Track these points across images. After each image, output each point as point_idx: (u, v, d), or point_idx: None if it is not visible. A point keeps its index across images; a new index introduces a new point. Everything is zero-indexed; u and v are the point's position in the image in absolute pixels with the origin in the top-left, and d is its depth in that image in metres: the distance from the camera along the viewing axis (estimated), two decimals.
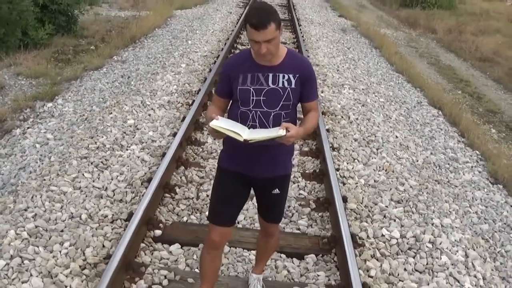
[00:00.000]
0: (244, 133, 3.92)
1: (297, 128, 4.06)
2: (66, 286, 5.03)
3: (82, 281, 5.12)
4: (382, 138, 9.32)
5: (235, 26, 19.10)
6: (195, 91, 11.12)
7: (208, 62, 14.06)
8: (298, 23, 21.09)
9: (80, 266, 5.32)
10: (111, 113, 9.51)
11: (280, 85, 4.17)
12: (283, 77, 4.18)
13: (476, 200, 7.89)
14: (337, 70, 14.11)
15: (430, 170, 8.54)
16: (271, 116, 4.16)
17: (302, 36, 18.19)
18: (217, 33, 18.35)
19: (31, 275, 5.14)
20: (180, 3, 26.07)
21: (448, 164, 9.05)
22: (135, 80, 11.98)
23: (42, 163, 7.65)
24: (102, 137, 8.40)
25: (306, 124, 4.28)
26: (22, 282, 5.03)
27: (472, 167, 9.19)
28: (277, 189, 4.47)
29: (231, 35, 17.01)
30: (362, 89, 12.57)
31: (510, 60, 20.06)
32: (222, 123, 3.96)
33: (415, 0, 34.39)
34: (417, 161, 8.76)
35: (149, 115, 9.62)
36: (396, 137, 9.61)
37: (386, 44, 19.64)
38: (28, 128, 9.48)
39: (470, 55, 21.19)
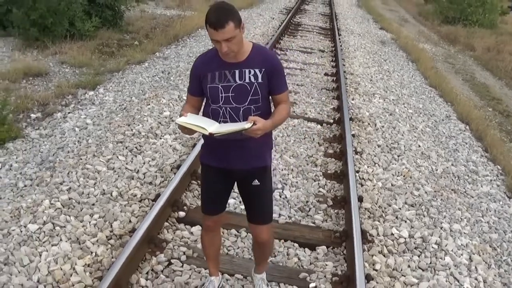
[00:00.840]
0: (210, 128, 4.02)
1: (264, 121, 4.12)
2: (92, 252, 5.49)
3: (107, 249, 5.58)
4: (404, 146, 9.66)
5: (276, 31, 19.51)
6: None
7: None
8: (338, 33, 21.43)
9: (106, 236, 5.79)
10: (149, 104, 9.99)
11: (247, 80, 4.26)
12: (249, 72, 4.26)
13: (490, 211, 8.17)
14: (370, 80, 14.45)
15: (448, 179, 8.85)
16: (241, 111, 4.26)
17: (341, 45, 18.57)
18: (258, 37, 18.73)
19: (60, 239, 5.62)
20: None
21: (467, 175, 9.34)
22: (175, 76, 12.47)
23: (80, 145, 8.16)
24: (139, 125, 8.88)
25: (275, 116, 4.34)
26: (52, 245, 5.50)
27: (491, 180, 9.48)
28: (256, 180, 4.54)
29: (271, 40, 17.36)
30: (392, 99, 12.90)
31: None
32: (189, 119, 4.07)
33: (457, 17, 34.49)
34: (436, 170, 9.07)
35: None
36: (419, 146, 9.93)
37: (423, 58, 19.92)
38: (69, 113, 10.01)
39: (506, 74, 21.37)
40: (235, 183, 4.72)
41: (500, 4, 38.97)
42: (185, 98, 10.01)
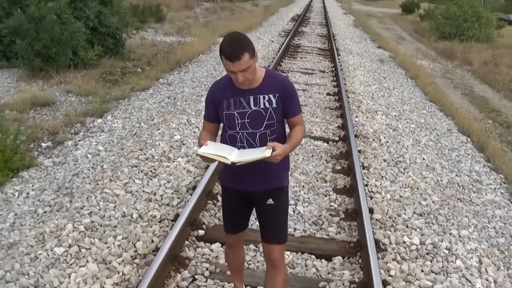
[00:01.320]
0: (231, 156, 4.08)
1: (283, 146, 4.20)
2: (119, 272, 5.72)
3: (133, 268, 5.81)
4: (409, 159, 9.93)
5: (276, 54, 19.87)
6: None
7: None
8: (337, 53, 21.77)
9: (131, 256, 6.03)
10: (159, 129, 10.25)
11: (262, 106, 4.32)
12: (264, 98, 4.32)
13: (495, 217, 8.40)
14: (372, 98, 14.74)
15: (453, 189, 9.10)
16: (257, 136, 4.32)
17: (341, 65, 18.89)
18: (259, 61, 18.91)
19: (87, 261, 5.85)
20: (224, 31, 26.79)
21: (472, 185, 9.59)
22: (181, 101, 12.73)
23: (95, 171, 8.40)
24: (151, 149, 9.14)
25: (292, 140, 4.40)
26: (80, 267, 5.74)
27: (495, 188, 9.72)
28: (270, 199, 4.57)
29: (272, 63, 17.72)
30: (395, 115, 13.19)
31: None
32: (210, 149, 4.16)
33: (454, 33, 34.88)
34: (442, 181, 9.32)
35: (194, 132, 10.34)
36: (423, 159, 10.20)
37: (421, 74, 20.27)
38: (79, 140, 10.21)
39: (503, 86, 21.77)
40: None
41: (496, 18, 39.53)
42: (193, 122, 10.38)
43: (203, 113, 10.86)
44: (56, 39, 15.12)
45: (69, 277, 5.54)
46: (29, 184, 8.27)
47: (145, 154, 8.93)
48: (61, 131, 10.94)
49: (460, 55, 28.88)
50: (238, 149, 4.27)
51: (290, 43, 24.62)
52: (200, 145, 4.25)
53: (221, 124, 4.55)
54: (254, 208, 4.78)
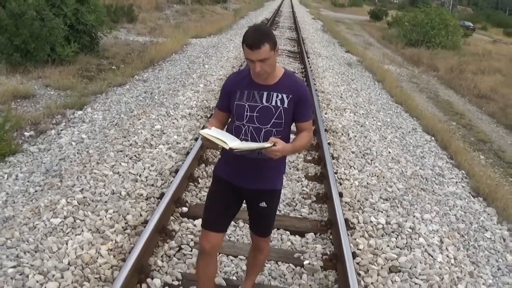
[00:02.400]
0: (232, 143, 4.14)
1: (284, 143, 4.25)
2: (112, 240, 6.24)
3: (124, 237, 6.35)
4: (376, 152, 10.53)
5: None
6: (212, 107, 12.38)
7: (223, 84, 15.20)
8: (307, 56, 22.37)
9: (122, 227, 6.56)
10: (140, 119, 10.76)
11: (273, 103, 4.37)
12: (277, 96, 4.39)
13: (456, 207, 9.01)
14: (340, 97, 15.34)
15: (417, 180, 9.70)
16: (262, 132, 4.37)
17: (310, 67, 19.46)
18: (231, 60, 19.67)
19: (82, 230, 6.34)
20: (195, 32, 27.43)
21: (435, 178, 10.20)
22: (158, 95, 13.24)
23: (81, 155, 8.89)
24: (134, 137, 9.64)
25: (296, 142, 4.49)
26: (76, 235, 6.22)
27: (456, 182, 10.34)
28: (264, 203, 4.66)
29: (245, 62, 18.23)
30: (362, 113, 13.81)
31: (506, 97, 21.37)
32: (212, 132, 4.22)
33: (421, 40, 35.65)
34: (406, 172, 9.92)
35: (173, 123, 10.89)
36: (389, 152, 10.81)
37: (388, 78, 20.94)
38: (61, 130, 10.67)
39: (468, 91, 22.47)
40: (243, 203, 4.86)
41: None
42: (172, 113, 10.91)
43: (180, 106, 11.52)
44: (35, 35, 15.52)
45: (67, 243, 6.00)
46: (17, 168, 8.75)
47: (128, 141, 9.43)
48: (43, 121, 11.34)
49: (427, 61, 29.67)
50: (240, 141, 4.32)
51: None
52: (204, 127, 4.32)
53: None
54: (246, 205, 4.86)
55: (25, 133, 10.62)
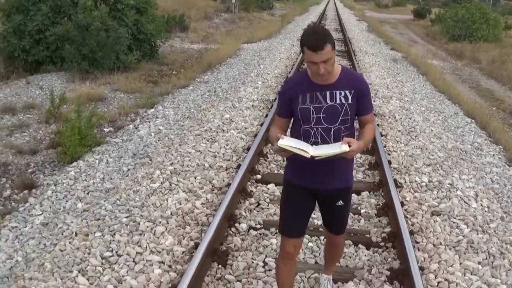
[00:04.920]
0: (309, 150, 4.17)
1: (358, 142, 4.28)
2: (202, 197, 7.72)
3: (213, 195, 7.84)
4: (419, 130, 11.81)
5: (298, 55, 21.76)
6: (271, 99, 13.87)
7: (279, 80, 16.88)
8: (354, 54, 23.69)
9: (210, 188, 8.05)
10: (210, 111, 12.25)
11: (338, 101, 4.37)
12: (340, 93, 4.39)
13: (492, 172, 10.20)
14: (387, 87, 16.63)
15: (457, 152, 10.90)
16: (332, 132, 4.37)
17: (358, 63, 20.76)
18: (284, 60, 21.19)
19: (178, 191, 7.81)
20: (246, 38, 28.80)
21: (473, 151, 11.39)
22: (222, 92, 14.74)
23: (163, 141, 10.36)
24: (207, 124, 11.11)
25: (365, 137, 4.49)
26: (173, 194, 7.70)
27: (493, 155, 11.48)
28: (341, 201, 4.71)
29: (296, 61, 19.97)
30: (407, 100, 15.09)
31: None
32: (288, 142, 4.23)
33: (463, 34, 36.49)
34: (447, 146, 11.13)
35: (239, 113, 12.36)
36: (432, 130, 12.07)
37: (431, 71, 22.05)
38: (138, 125, 12.13)
39: (509, 80, 23.37)
40: (316, 203, 4.88)
41: (504, 19, 41.09)
42: (237, 106, 12.30)
43: (243, 100, 12.96)
44: (102, 44, 16.98)
45: (167, 200, 7.46)
46: (106, 155, 10.17)
47: (203, 127, 10.90)
48: (119, 119, 12.81)
49: (469, 54, 30.53)
50: (312, 145, 4.34)
51: None
52: (276, 138, 4.30)
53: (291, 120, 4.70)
54: (319, 207, 4.95)
55: (104, 129, 12.06)
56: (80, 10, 17.10)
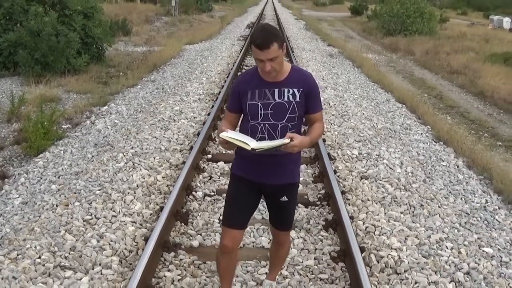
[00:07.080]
0: (252, 143, 4.23)
1: (302, 137, 4.34)
2: (162, 172, 8.83)
3: (171, 171, 8.98)
4: (351, 113, 13.06)
5: (239, 53, 23.13)
6: (216, 93, 15.10)
7: (222, 76, 18.07)
8: (292, 51, 24.85)
9: (168, 166, 9.21)
10: (161, 105, 13.36)
11: (286, 99, 4.43)
12: (288, 91, 4.45)
13: (418, 147, 11.27)
14: (322, 79, 17.84)
15: (386, 131, 12.05)
16: (278, 128, 4.42)
17: (295, 59, 21.95)
18: (226, 59, 22.41)
19: (140, 169, 8.90)
20: (187, 39, 29.72)
21: (402, 130, 12.52)
22: (170, 89, 15.87)
23: (121, 131, 11.39)
24: (160, 115, 12.21)
25: (312, 134, 4.54)
26: (137, 171, 8.79)
27: (421, 133, 12.59)
28: (285, 197, 4.77)
29: (237, 59, 21.14)
30: (341, 89, 16.35)
31: (476, 71, 23.44)
32: (231, 134, 4.32)
33: (398, 29, 37.81)
34: (377, 126, 12.31)
35: (188, 105, 13.49)
36: (363, 114, 13.30)
37: (367, 64, 23.22)
38: (95, 120, 13.04)
39: (441, 69, 24.75)
40: (261, 198, 5.00)
41: (441, 12, 42.36)
42: (185, 99, 13.36)
43: (190, 94, 14.17)
44: (53, 49, 17.72)
45: (132, 176, 8.54)
46: (69, 146, 11.01)
47: (156, 118, 12.01)
48: (75, 117, 13.66)
49: (404, 47, 31.89)
50: (258, 140, 4.41)
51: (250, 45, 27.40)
52: (220, 131, 4.42)
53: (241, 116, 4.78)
54: (265, 202, 5.09)
55: (63, 126, 12.86)
56: (32, 16, 17.86)
